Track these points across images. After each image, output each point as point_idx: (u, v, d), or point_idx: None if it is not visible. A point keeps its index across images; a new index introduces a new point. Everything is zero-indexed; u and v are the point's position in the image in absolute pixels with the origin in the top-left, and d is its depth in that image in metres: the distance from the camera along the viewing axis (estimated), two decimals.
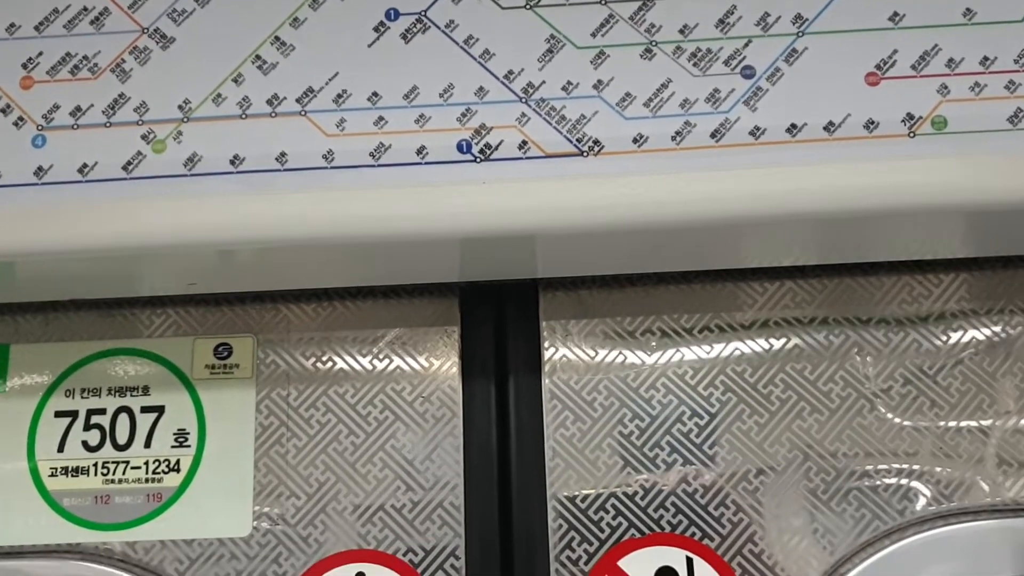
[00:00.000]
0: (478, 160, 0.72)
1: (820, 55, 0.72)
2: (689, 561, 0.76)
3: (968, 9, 0.72)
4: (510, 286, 0.84)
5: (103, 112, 0.75)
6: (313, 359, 0.84)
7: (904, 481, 0.78)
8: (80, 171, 0.74)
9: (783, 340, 0.82)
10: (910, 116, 0.70)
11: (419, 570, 0.78)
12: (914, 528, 0.77)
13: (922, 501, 0.77)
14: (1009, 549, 0.77)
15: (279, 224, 0.71)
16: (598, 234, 0.71)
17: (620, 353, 0.82)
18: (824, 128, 0.70)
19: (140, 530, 0.79)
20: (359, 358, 0.83)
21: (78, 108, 0.75)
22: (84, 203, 0.72)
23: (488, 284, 0.83)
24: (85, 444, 0.82)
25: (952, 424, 0.79)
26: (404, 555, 0.78)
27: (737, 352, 0.82)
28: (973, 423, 0.79)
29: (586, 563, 0.77)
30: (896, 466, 0.78)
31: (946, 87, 0.71)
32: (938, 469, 0.78)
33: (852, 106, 0.70)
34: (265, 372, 0.83)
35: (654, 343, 0.82)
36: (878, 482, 0.78)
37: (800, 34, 0.72)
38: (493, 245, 0.74)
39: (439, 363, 0.83)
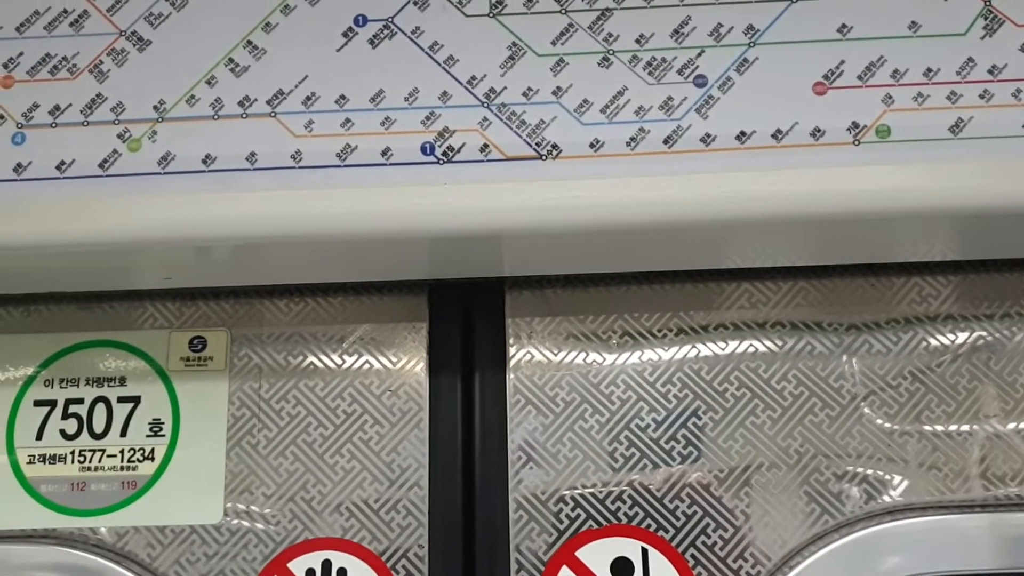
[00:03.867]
0: (441, 162, 0.74)
1: (770, 65, 0.74)
2: (644, 552, 0.79)
3: (913, 22, 0.75)
4: (477, 284, 0.86)
5: (81, 111, 0.77)
6: (285, 353, 0.86)
7: (854, 477, 0.80)
8: (58, 168, 0.76)
9: (739, 340, 0.84)
10: (855, 125, 0.73)
11: (384, 558, 0.80)
12: (863, 523, 0.79)
13: (872, 496, 0.80)
14: (958, 544, 0.79)
15: (249, 222, 0.74)
16: (556, 235, 0.74)
17: (582, 351, 0.85)
18: (772, 136, 0.72)
19: (115, 516, 0.82)
20: (329, 353, 0.86)
21: (57, 107, 0.77)
22: (62, 199, 0.75)
23: (456, 282, 0.86)
24: (63, 432, 0.84)
25: (897, 427, 0.82)
26: (370, 544, 0.80)
27: (694, 351, 0.84)
28: (919, 426, 0.82)
29: (545, 553, 0.79)
30: (847, 462, 0.81)
31: (891, 97, 0.73)
32: (888, 466, 0.81)
33: (799, 115, 0.73)
34: (238, 365, 0.86)
35: (615, 342, 0.85)
36: (829, 477, 0.80)
37: (751, 44, 0.75)
38: (456, 244, 0.76)
39: (407, 358, 0.86)
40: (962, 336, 0.83)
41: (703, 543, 0.79)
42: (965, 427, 0.81)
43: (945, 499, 0.80)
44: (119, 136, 0.76)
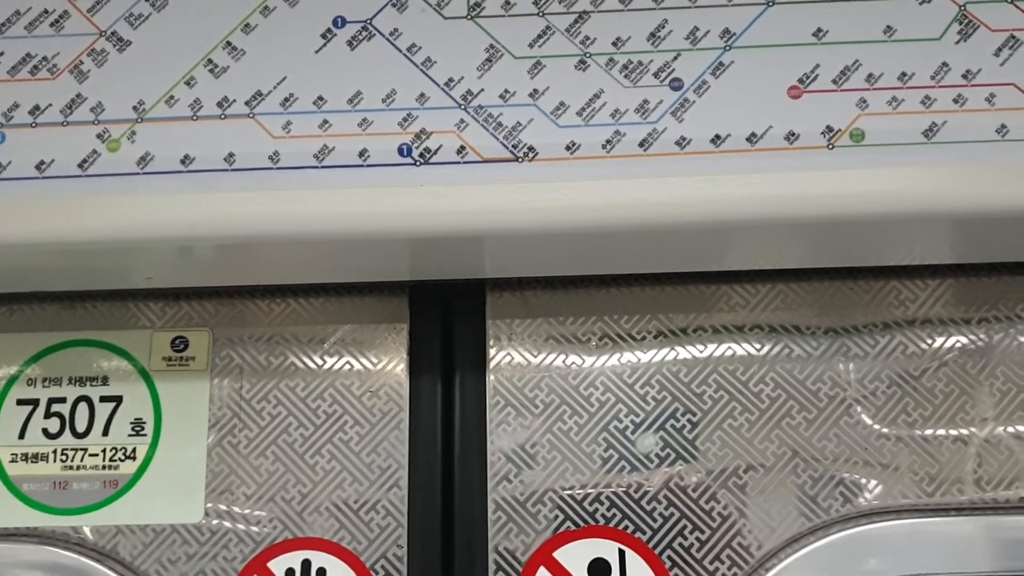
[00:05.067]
0: (418, 163, 0.75)
1: (746, 68, 0.74)
2: (621, 553, 0.79)
3: (888, 27, 0.75)
4: (458, 286, 0.87)
5: (61, 111, 0.77)
6: (266, 353, 0.86)
7: (831, 480, 0.80)
8: (37, 168, 0.76)
9: (717, 343, 0.85)
10: (829, 128, 0.73)
11: (363, 558, 0.80)
12: (839, 525, 0.80)
13: (850, 499, 0.80)
14: (937, 547, 0.79)
15: (227, 223, 0.74)
16: (534, 236, 0.74)
17: (562, 353, 0.85)
18: (747, 139, 0.73)
19: (96, 515, 0.82)
20: (310, 353, 0.86)
21: (37, 107, 0.78)
22: (41, 199, 0.75)
23: (437, 284, 0.86)
24: (45, 432, 0.84)
25: (878, 427, 0.82)
26: (349, 544, 0.81)
27: (674, 354, 0.84)
28: (897, 430, 0.82)
29: (523, 554, 0.80)
30: (823, 465, 0.81)
31: (865, 101, 0.74)
32: (867, 469, 0.81)
33: (774, 118, 0.73)
34: (220, 365, 0.86)
35: (595, 344, 0.85)
36: (806, 480, 0.80)
37: (727, 48, 0.75)
38: (435, 245, 0.77)
39: (387, 359, 0.86)
40: (940, 340, 0.83)
41: (680, 545, 0.79)
42: (942, 431, 0.81)
43: (921, 503, 0.80)
44: (98, 136, 0.77)
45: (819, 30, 0.75)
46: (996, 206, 0.69)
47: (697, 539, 0.79)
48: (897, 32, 0.74)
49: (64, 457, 0.84)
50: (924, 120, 0.73)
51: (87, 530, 0.82)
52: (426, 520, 0.82)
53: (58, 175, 0.76)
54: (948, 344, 0.83)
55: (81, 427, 0.84)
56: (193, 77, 0.77)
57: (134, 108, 0.77)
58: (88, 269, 0.82)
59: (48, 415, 0.85)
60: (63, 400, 0.85)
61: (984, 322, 0.84)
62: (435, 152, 0.75)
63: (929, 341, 0.84)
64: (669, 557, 0.79)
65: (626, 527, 0.80)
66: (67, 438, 0.84)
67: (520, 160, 0.74)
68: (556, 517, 0.81)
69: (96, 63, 0.78)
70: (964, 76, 0.74)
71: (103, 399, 0.85)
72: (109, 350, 0.87)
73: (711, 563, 0.79)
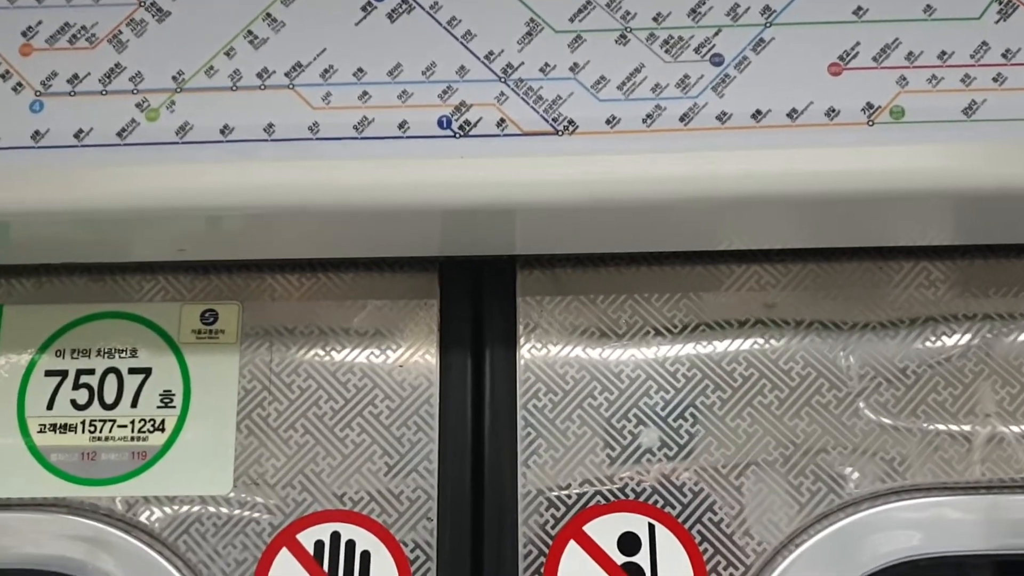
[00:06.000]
0: (457, 136, 0.75)
1: (786, 45, 0.75)
2: (651, 527, 0.79)
3: (928, 5, 0.76)
4: (489, 262, 0.87)
5: (99, 80, 0.77)
6: (296, 327, 0.86)
7: (860, 459, 0.81)
8: (76, 136, 0.76)
9: (746, 321, 0.85)
10: (870, 105, 0.73)
11: (392, 531, 0.80)
12: (868, 503, 0.80)
13: (877, 478, 0.80)
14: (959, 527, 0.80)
15: (265, 192, 0.74)
16: (571, 210, 0.74)
17: (592, 330, 0.85)
18: (787, 115, 0.73)
19: (124, 486, 0.82)
20: (340, 328, 0.86)
21: (75, 76, 0.78)
22: (79, 167, 0.75)
23: (467, 260, 0.86)
24: (74, 403, 0.84)
25: (907, 409, 0.83)
26: (378, 516, 0.81)
27: (703, 332, 0.85)
28: (916, 421, 0.83)
29: (553, 527, 0.80)
30: (852, 446, 0.81)
31: (905, 79, 0.74)
32: (890, 450, 0.81)
33: (815, 94, 0.73)
34: (249, 338, 0.86)
35: (625, 321, 0.85)
36: (834, 460, 0.81)
37: (768, 24, 0.75)
38: (470, 219, 0.77)
39: (418, 334, 0.86)
40: (967, 323, 0.84)
41: (710, 519, 0.80)
42: (962, 420, 0.82)
43: (950, 482, 0.80)
44: (137, 105, 0.77)
45: (859, 8, 0.76)
46: None
47: (727, 514, 0.80)
48: (937, 11, 0.75)
49: (92, 428, 0.84)
50: (964, 98, 0.73)
51: (115, 501, 0.82)
52: (456, 494, 0.82)
53: (96, 144, 0.76)
54: (969, 326, 0.84)
55: (110, 399, 0.85)
56: (233, 48, 0.77)
57: (173, 78, 0.77)
58: (121, 240, 0.82)
59: (77, 386, 0.85)
60: (92, 372, 0.85)
61: (1011, 304, 0.84)
62: (475, 125, 0.75)
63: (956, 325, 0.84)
64: (699, 532, 0.79)
65: (656, 502, 0.80)
66: (96, 409, 0.84)
67: (560, 134, 0.74)
68: (585, 491, 0.81)
69: (135, 33, 0.78)
70: (1004, 55, 0.74)
71: (132, 371, 0.85)
72: (138, 322, 0.87)
73: (741, 538, 0.79)
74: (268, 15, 0.78)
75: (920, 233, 0.81)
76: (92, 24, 0.79)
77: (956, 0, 0.75)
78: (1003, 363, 0.83)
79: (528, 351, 0.85)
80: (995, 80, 0.74)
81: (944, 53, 0.74)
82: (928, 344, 0.83)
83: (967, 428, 0.81)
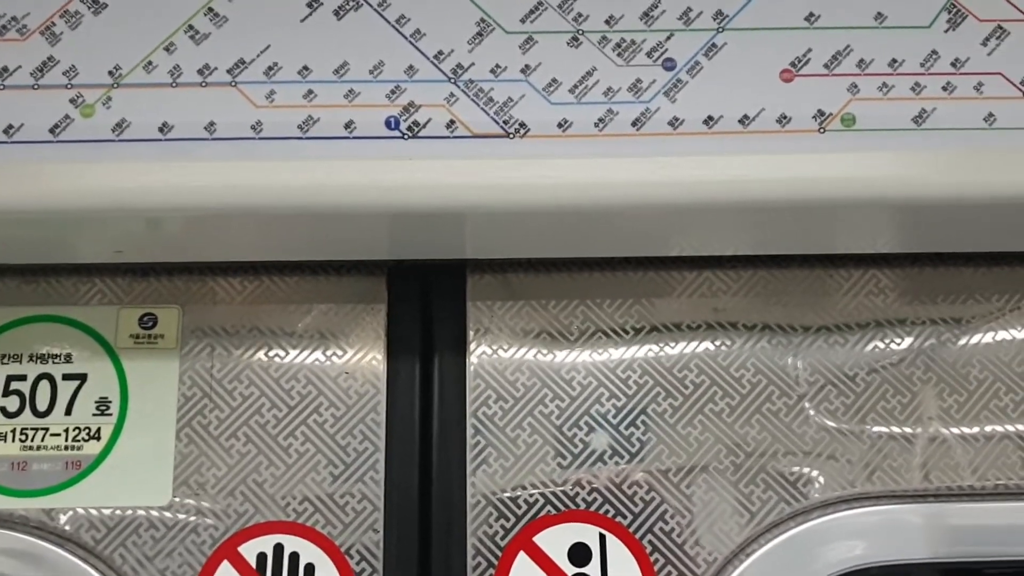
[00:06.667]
0: (406, 137, 0.73)
1: (738, 50, 0.75)
2: (602, 537, 0.78)
3: (879, 13, 0.76)
4: (438, 266, 0.85)
5: (31, 74, 0.74)
6: (238, 332, 0.84)
7: (811, 466, 0.81)
8: (5, 132, 0.73)
9: (698, 328, 0.84)
10: (821, 112, 0.73)
11: (337, 543, 0.79)
12: (819, 511, 0.80)
13: (827, 486, 0.80)
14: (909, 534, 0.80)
15: (206, 193, 0.72)
16: (521, 214, 0.73)
17: (543, 336, 0.84)
18: (739, 121, 0.73)
19: (58, 497, 0.79)
20: (284, 333, 0.84)
21: (5, 69, 0.75)
22: (9, 164, 0.72)
23: (416, 264, 0.85)
24: (3, 410, 0.81)
25: (855, 417, 0.83)
26: (323, 527, 0.79)
27: (655, 338, 0.84)
28: (862, 426, 0.83)
29: (502, 538, 0.79)
30: (803, 453, 0.81)
31: (856, 86, 0.74)
32: (840, 457, 0.81)
33: (767, 100, 0.73)
34: (190, 343, 0.84)
35: (576, 327, 0.85)
36: (785, 467, 0.81)
37: (720, 29, 0.75)
38: (418, 222, 0.75)
39: (365, 340, 0.84)
40: (916, 329, 0.84)
41: (661, 529, 0.79)
42: (909, 428, 0.82)
43: (899, 489, 0.81)
44: (71, 101, 0.74)
45: (811, 14, 0.76)
46: (984, 193, 0.70)
47: (678, 523, 0.79)
48: (888, 19, 0.75)
49: (24, 436, 0.81)
50: (914, 106, 0.73)
51: (48, 513, 0.79)
52: (403, 504, 0.80)
53: (27, 140, 0.73)
54: (918, 333, 0.84)
55: (42, 406, 0.82)
56: (173, 43, 0.75)
57: (110, 73, 0.74)
58: (55, 241, 0.79)
59: (7, 393, 0.82)
60: (23, 378, 0.82)
61: (958, 311, 0.85)
62: (424, 126, 0.73)
63: (905, 332, 0.85)
64: (650, 542, 0.79)
65: (607, 511, 0.79)
66: (27, 417, 0.81)
67: (511, 136, 0.73)
68: (536, 501, 0.80)
69: (69, 25, 0.76)
70: (953, 64, 0.75)
71: (66, 377, 0.82)
72: (73, 326, 0.84)
73: (692, 548, 0.79)
74: (210, 10, 0.76)
75: (870, 241, 0.82)
76: (23, 15, 0.76)
77: (906, 8, 0.76)
78: (950, 370, 0.83)
79: (478, 357, 0.83)
80: (944, 89, 0.74)
81: (895, 61, 0.75)
82: (877, 350, 0.84)
83: (914, 435, 0.81)
